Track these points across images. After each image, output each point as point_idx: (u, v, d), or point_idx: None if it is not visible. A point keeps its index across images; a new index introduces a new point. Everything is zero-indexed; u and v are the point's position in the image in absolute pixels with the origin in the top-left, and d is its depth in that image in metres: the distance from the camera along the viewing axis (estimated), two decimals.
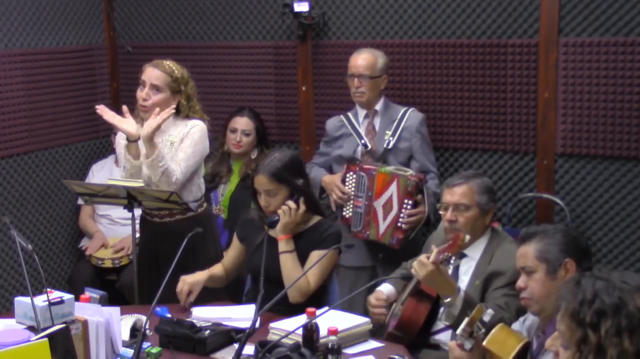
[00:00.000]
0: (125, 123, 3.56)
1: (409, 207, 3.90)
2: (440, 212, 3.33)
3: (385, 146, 4.08)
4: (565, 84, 4.13)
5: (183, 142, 3.62)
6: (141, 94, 3.64)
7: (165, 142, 3.65)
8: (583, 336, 1.82)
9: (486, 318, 2.52)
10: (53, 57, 4.86)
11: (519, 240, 2.74)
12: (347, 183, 4.07)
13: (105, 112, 3.57)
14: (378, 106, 4.18)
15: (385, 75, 4.17)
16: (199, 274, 3.36)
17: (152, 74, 3.64)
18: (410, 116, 4.14)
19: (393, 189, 3.90)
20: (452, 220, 3.22)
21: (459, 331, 2.51)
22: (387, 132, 4.10)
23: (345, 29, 4.66)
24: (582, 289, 1.86)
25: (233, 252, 3.53)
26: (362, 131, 4.16)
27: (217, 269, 3.49)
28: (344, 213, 4.10)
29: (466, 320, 2.53)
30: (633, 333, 1.79)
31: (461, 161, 4.47)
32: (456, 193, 3.24)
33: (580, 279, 1.90)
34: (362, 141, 4.13)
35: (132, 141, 3.55)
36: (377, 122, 4.18)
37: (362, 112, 4.20)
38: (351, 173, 4.06)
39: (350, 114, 4.24)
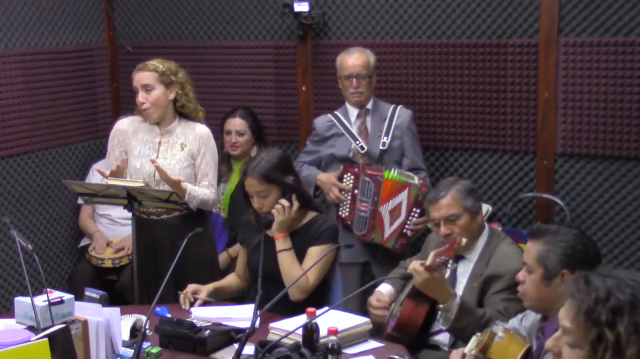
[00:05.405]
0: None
1: (416, 215, 3.94)
2: (432, 229, 3.31)
3: (381, 147, 4.08)
4: (565, 84, 4.13)
5: (204, 157, 3.72)
6: (138, 99, 3.74)
7: (172, 144, 3.73)
8: (598, 335, 1.79)
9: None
10: (53, 57, 4.86)
11: (530, 233, 2.70)
12: (344, 183, 4.06)
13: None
14: (369, 105, 4.18)
15: (374, 72, 4.18)
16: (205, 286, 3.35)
17: (139, 77, 3.73)
18: (400, 114, 4.14)
19: (404, 197, 3.92)
20: (448, 233, 3.18)
21: (468, 353, 2.51)
22: (379, 132, 4.10)
23: (345, 29, 4.66)
24: (593, 287, 1.83)
25: (242, 256, 3.52)
26: (354, 131, 4.14)
27: (227, 280, 3.52)
28: (340, 212, 4.08)
29: (475, 342, 2.53)
30: None
31: (461, 161, 4.47)
32: (442, 206, 3.19)
33: (589, 277, 1.87)
34: (358, 143, 4.10)
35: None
36: (368, 121, 4.16)
37: (354, 112, 4.18)
38: (349, 174, 4.04)
39: (339, 113, 4.21)
